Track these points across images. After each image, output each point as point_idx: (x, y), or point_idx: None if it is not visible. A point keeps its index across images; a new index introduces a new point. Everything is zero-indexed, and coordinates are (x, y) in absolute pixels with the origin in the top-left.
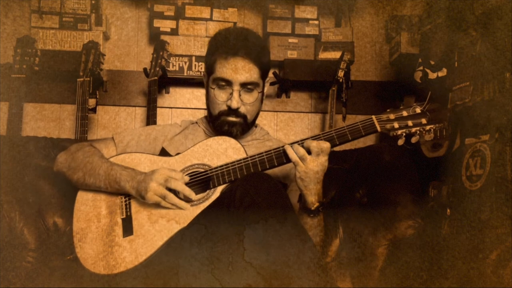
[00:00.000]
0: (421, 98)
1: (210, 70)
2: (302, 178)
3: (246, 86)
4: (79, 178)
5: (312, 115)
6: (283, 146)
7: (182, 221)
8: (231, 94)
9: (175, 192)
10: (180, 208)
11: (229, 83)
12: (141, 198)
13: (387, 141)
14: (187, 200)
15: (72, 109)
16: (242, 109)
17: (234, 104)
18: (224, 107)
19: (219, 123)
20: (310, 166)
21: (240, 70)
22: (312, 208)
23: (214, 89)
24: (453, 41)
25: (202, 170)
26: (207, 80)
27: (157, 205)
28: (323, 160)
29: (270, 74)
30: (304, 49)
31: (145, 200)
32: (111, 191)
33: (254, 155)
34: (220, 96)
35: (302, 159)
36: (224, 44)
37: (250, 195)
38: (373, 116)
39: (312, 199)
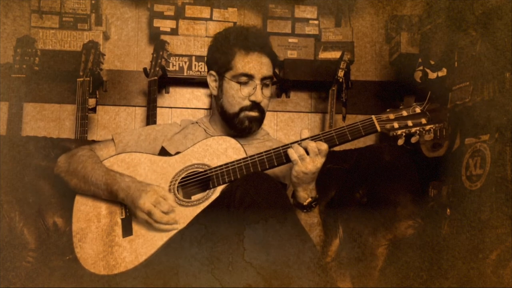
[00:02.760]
0: (421, 98)
1: (226, 67)
2: (298, 177)
3: (264, 81)
4: (76, 184)
5: (312, 115)
6: (283, 146)
7: (182, 221)
8: (254, 88)
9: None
10: (169, 229)
11: (251, 77)
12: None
13: (387, 141)
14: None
15: (72, 109)
16: (262, 103)
17: (259, 97)
18: (246, 102)
19: (240, 120)
20: (309, 166)
21: (261, 64)
22: (304, 203)
23: (238, 83)
24: (453, 41)
25: (202, 170)
26: (221, 78)
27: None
28: (321, 161)
29: None
30: (304, 49)
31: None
32: (106, 198)
33: (254, 155)
34: (243, 91)
35: (301, 158)
36: (243, 40)
37: (250, 195)
38: (373, 116)
39: (304, 194)
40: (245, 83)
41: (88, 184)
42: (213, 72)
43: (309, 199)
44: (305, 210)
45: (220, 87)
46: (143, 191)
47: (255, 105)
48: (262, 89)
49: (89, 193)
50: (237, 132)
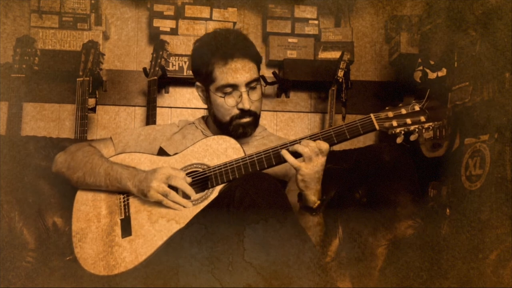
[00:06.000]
0: (420, 98)
1: (208, 79)
2: (304, 181)
3: (250, 85)
4: (79, 177)
5: (312, 115)
6: (281, 145)
7: (182, 221)
8: (240, 96)
9: (176, 191)
10: (182, 206)
11: (235, 87)
12: (143, 196)
13: (387, 141)
14: (188, 199)
15: (72, 108)
16: (252, 108)
17: (247, 105)
18: (235, 111)
19: (233, 128)
20: (309, 166)
21: (242, 71)
22: (314, 207)
23: (221, 97)
24: (453, 41)
25: (201, 170)
26: (207, 90)
27: (157, 205)
28: (323, 160)
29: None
30: (304, 49)
31: (147, 198)
32: (112, 189)
33: (252, 155)
34: (229, 102)
35: (308, 159)
36: (219, 50)
37: (249, 195)
38: (372, 114)
39: (314, 198)
40: (230, 93)
41: (94, 176)
42: (199, 84)
43: (318, 202)
44: (314, 213)
45: (208, 98)
46: (154, 171)
47: (245, 112)
48: (248, 94)
49: (93, 186)
50: (233, 138)
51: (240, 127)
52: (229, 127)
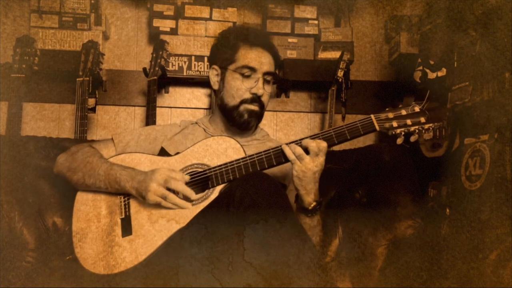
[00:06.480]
0: (420, 98)
1: (229, 60)
2: (299, 178)
3: (266, 76)
4: (79, 179)
5: (312, 115)
6: (281, 146)
7: (182, 221)
8: (256, 82)
9: (175, 192)
10: (181, 208)
11: (253, 70)
12: (141, 198)
13: (387, 141)
14: (187, 200)
15: (71, 108)
16: (263, 98)
17: (261, 90)
18: (247, 95)
19: (239, 113)
20: (309, 166)
21: (264, 59)
22: (310, 208)
23: (241, 75)
24: (453, 41)
25: (201, 170)
26: (223, 72)
27: (157, 205)
28: (322, 160)
29: None
30: (304, 49)
31: (145, 201)
32: (111, 191)
33: (253, 155)
34: (244, 84)
35: (299, 158)
36: (246, 36)
37: (249, 195)
38: (372, 115)
39: (309, 199)
40: (247, 76)
41: (94, 178)
42: (215, 66)
43: (314, 203)
44: (309, 215)
45: (222, 80)
46: (152, 173)
47: (256, 98)
48: (263, 83)
49: (93, 188)
50: (236, 126)
51: (246, 113)
52: (235, 111)
